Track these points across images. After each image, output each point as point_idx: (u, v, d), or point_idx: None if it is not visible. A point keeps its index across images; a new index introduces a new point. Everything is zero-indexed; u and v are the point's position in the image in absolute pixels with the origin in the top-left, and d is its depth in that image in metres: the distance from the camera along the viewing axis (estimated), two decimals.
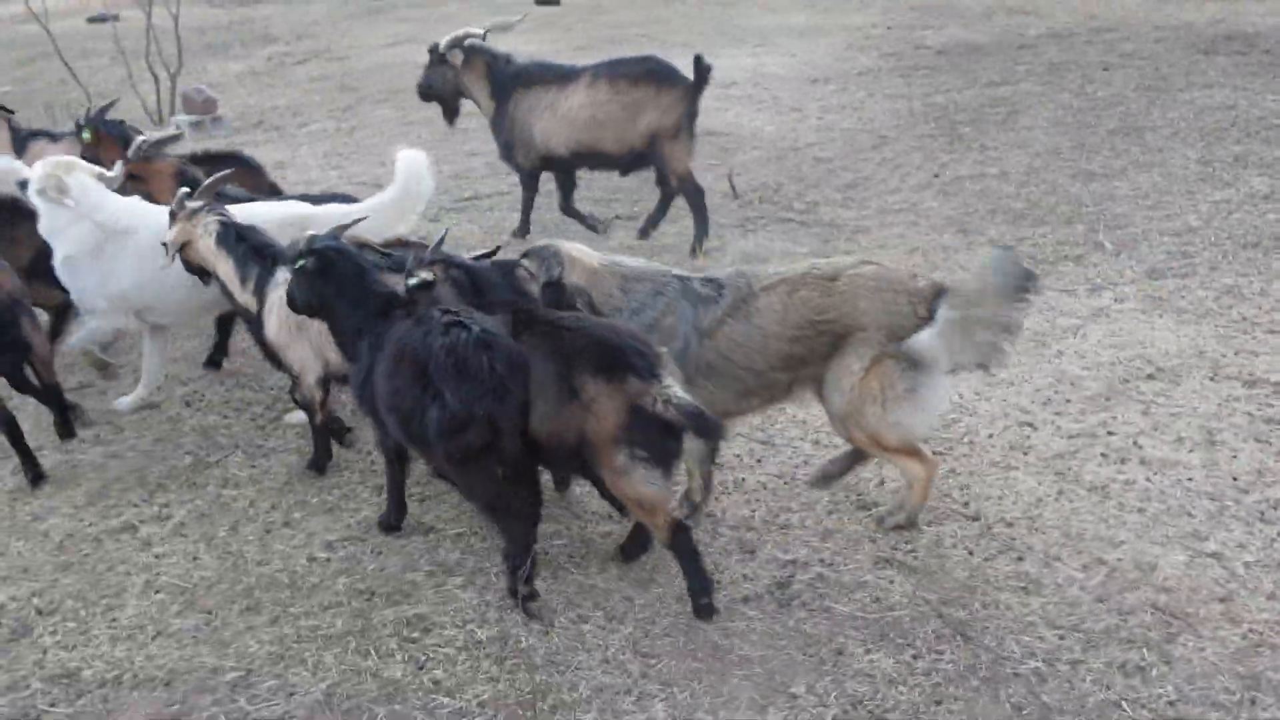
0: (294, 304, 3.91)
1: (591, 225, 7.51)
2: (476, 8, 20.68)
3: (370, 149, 10.30)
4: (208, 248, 4.43)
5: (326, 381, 4.45)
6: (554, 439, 3.33)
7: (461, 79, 7.34)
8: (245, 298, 4.43)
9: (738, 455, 4.58)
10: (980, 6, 15.73)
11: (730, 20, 16.48)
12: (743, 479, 4.40)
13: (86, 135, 6.59)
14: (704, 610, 3.53)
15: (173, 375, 5.65)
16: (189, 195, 4.55)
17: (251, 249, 4.39)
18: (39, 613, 3.74)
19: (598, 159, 7.10)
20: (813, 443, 4.66)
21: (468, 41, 7.24)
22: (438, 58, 7.39)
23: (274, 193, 6.30)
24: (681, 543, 3.46)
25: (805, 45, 13.74)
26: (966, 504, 4.14)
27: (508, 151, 7.31)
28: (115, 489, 4.54)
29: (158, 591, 3.84)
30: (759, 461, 4.54)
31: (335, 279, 3.75)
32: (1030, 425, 4.70)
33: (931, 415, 3.75)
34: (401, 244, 4.67)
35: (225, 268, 4.41)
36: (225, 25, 19.75)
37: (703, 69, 6.76)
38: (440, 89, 7.52)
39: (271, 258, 4.36)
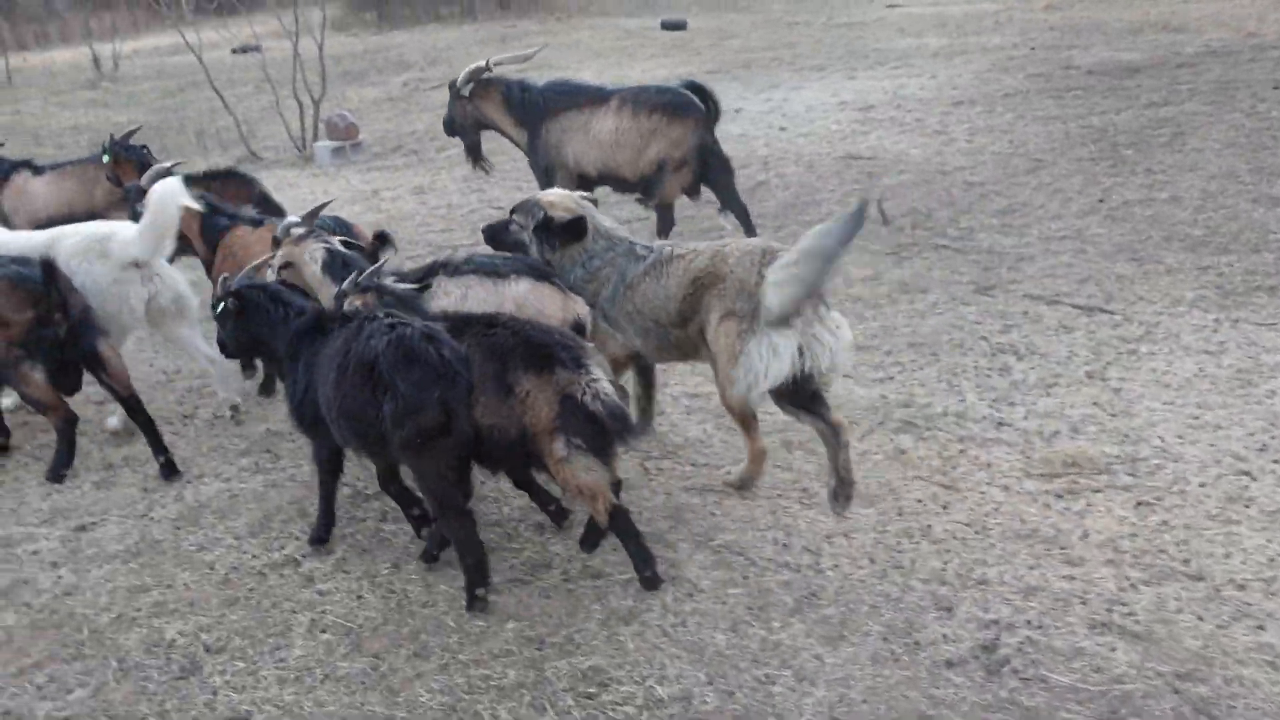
0: (225, 348, 4.30)
1: None
2: (606, 31, 20.81)
3: (507, 173, 10.29)
4: (313, 273, 4.58)
5: None
6: (498, 433, 3.60)
7: (481, 112, 7.47)
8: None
9: (920, 500, 4.26)
10: (1124, 24, 15.06)
11: (862, 42, 16.14)
12: (929, 525, 4.09)
13: (107, 158, 7.11)
14: (649, 582, 3.77)
15: None
16: (296, 223, 4.70)
17: (349, 272, 4.46)
18: (207, 650, 3.65)
19: (617, 182, 7.19)
20: (1001, 488, 4.32)
21: (482, 76, 7.39)
22: (455, 93, 7.53)
23: (267, 207, 6.47)
24: (621, 525, 3.72)
25: (945, 67, 13.32)
26: (1187, 561, 3.74)
27: (548, 177, 7.24)
28: (276, 520, 4.47)
29: (323, 631, 3.71)
30: (945, 508, 4.21)
31: (258, 314, 4.07)
32: (1247, 474, 4.26)
33: (761, 377, 3.96)
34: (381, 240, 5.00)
35: (328, 292, 4.49)
36: (361, 53, 20.24)
37: (712, 103, 6.90)
38: (460, 123, 7.65)
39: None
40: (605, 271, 4.34)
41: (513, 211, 4.54)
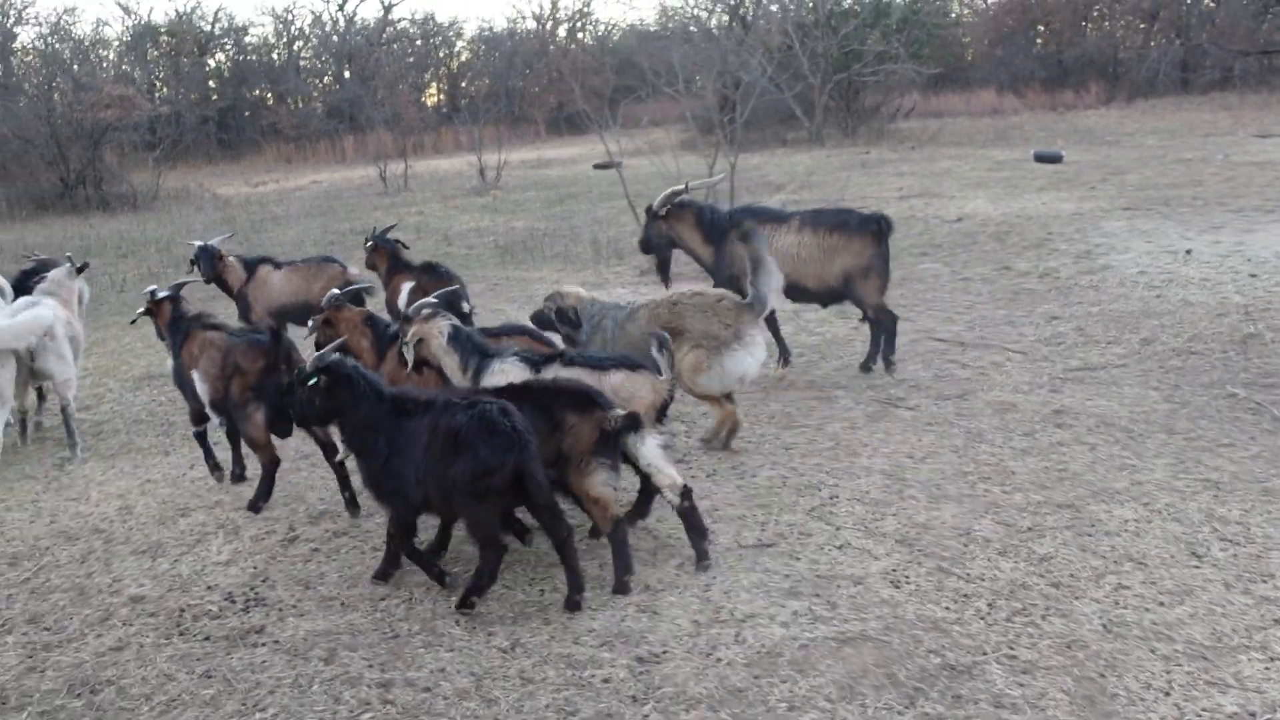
0: (304, 418, 4.90)
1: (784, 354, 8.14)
2: (975, 161, 20.17)
3: (934, 302, 9.70)
4: (440, 345, 5.46)
5: None
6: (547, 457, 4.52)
7: (675, 231, 8.09)
8: (463, 383, 5.35)
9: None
10: None
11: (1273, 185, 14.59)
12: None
13: (369, 245, 8.63)
14: (622, 587, 4.65)
15: None
16: (427, 304, 5.64)
17: (473, 346, 5.42)
18: None
19: (800, 293, 7.79)
20: None
21: (677, 199, 8.02)
22: (652, 215, 8.14)
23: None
24: (619, 534, 4.66)
25: None
26: None
27: (732, 286, 7.52)
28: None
29: None
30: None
31: (346, 390, 4.69)
32: None
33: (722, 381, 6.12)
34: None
35: (451, 361, 5.42)
36: (717, 172, 20.57)
37: (885, 225, 7.58)
38: (656, 242, 8.27)
39: (484, 353, 5.40)
40: (605, 323, 6.30)
41: (545, 300, 6.48)
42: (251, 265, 8.97)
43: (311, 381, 4.74)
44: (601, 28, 51.35)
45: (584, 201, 19.11)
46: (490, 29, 52.05)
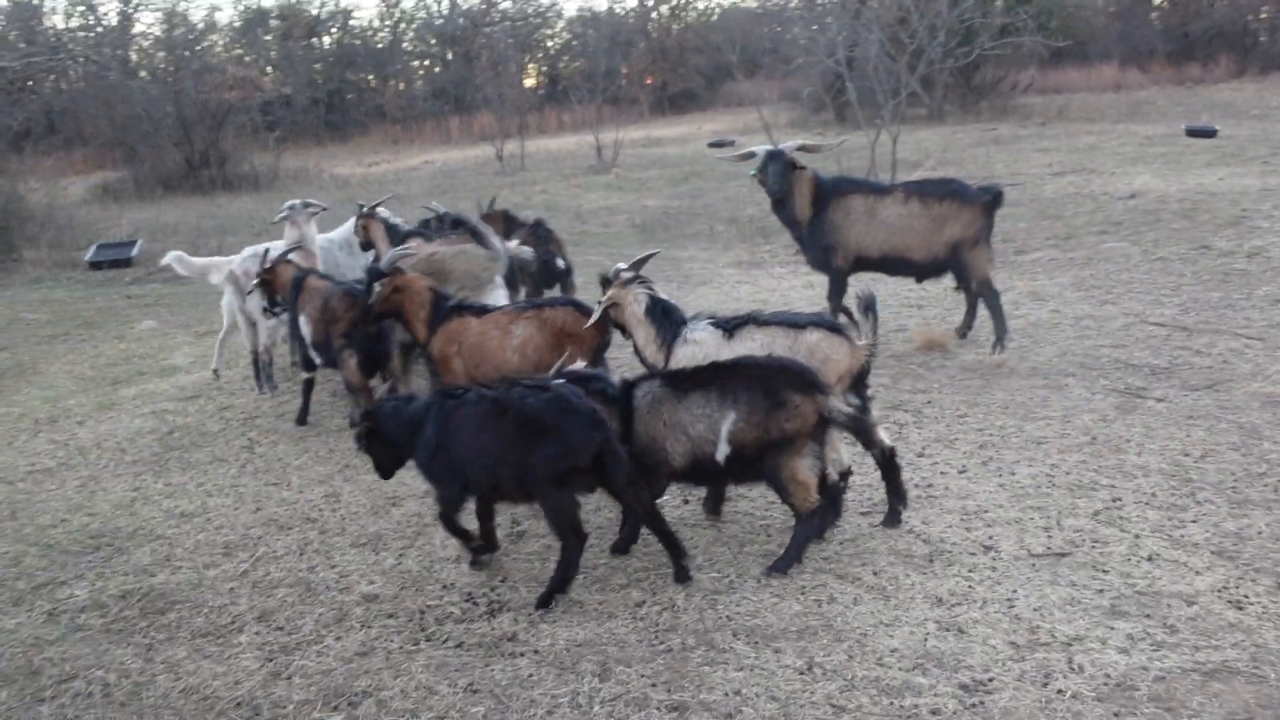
0: (382, 471, 4.70)
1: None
2: (1123, 138, 19.12)
3: (1132, 283, 8.97)
4: (634, 314, 5.15)
5: None
6: (758, 440, 4.31)
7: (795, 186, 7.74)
8: (655, 355, 5.05)
9: None
10: None
11: None
12: None
13: (359, 218, 8.08)
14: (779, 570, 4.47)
15: None
16: (625, 268, 5.24)
17: (668, 317, 5.07)
18: None
19: (903, 265, 7.67)
20: None
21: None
22: (786, 164, 7.67)
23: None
24: (810, 523, 4.46)
25: None
26: None
27: (821, 255, 7.75)
28: None
29: None
30: None
31: (393, 429, 4.55)
32: None
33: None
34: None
35: (646, 331, 5.10)
36: (854, 150, 19.85)
37: (997, 195, 7.42)
38: (784, 191, 7.75)
39: (679, 323, 5.05)
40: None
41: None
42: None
43: (359, 433, 4.68)
44: (702, 4, 50.52)
45: (709, 180, 18.53)
46: (590, 10, 51.70)
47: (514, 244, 7.43)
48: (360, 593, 4.63)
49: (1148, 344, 7.44)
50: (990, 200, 7.39)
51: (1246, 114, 21.69)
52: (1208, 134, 18.62)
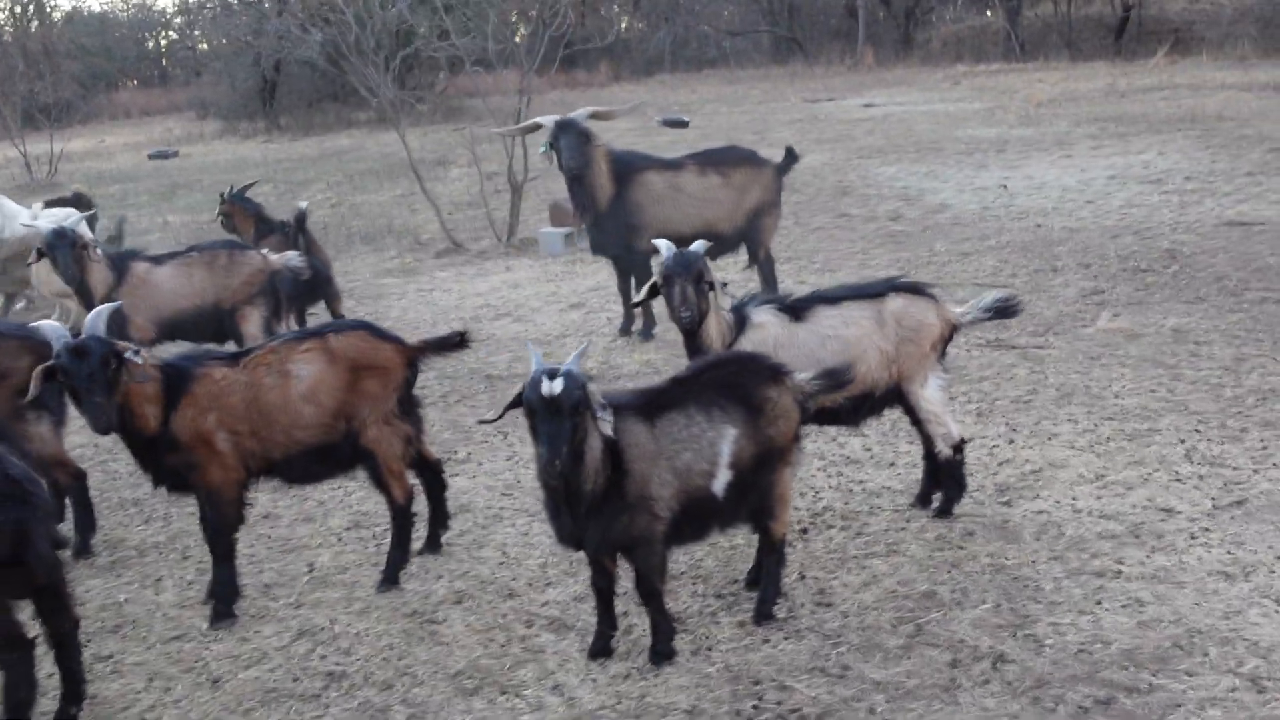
0: None
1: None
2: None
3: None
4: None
5: None
6: (754, 456, 3.70)
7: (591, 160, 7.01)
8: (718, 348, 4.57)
9: None
10: None
11: (932, 134, 15.96)
12: None
13: (222, 205, 8.03)
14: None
15: None
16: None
17: (732, 307, 4.62)
18: None
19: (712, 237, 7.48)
20: None
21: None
22: (583, 136, 6.94)
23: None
24: (784, 546, 4.00)
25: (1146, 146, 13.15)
26: None
27: (620, 235, 7.07)
28: None
29: None
30: None
31: None
32: None
33: None
34: None
35: (717, 326, 4.41)
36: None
37: (792, 156, 7.40)
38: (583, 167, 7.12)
39: (737, 309, 4.55)
40: None
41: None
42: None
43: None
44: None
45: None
46: None
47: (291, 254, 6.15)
48: None
49: None
50: (781, 163, 7.29)
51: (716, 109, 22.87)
52: (680, 124, 20.08)
